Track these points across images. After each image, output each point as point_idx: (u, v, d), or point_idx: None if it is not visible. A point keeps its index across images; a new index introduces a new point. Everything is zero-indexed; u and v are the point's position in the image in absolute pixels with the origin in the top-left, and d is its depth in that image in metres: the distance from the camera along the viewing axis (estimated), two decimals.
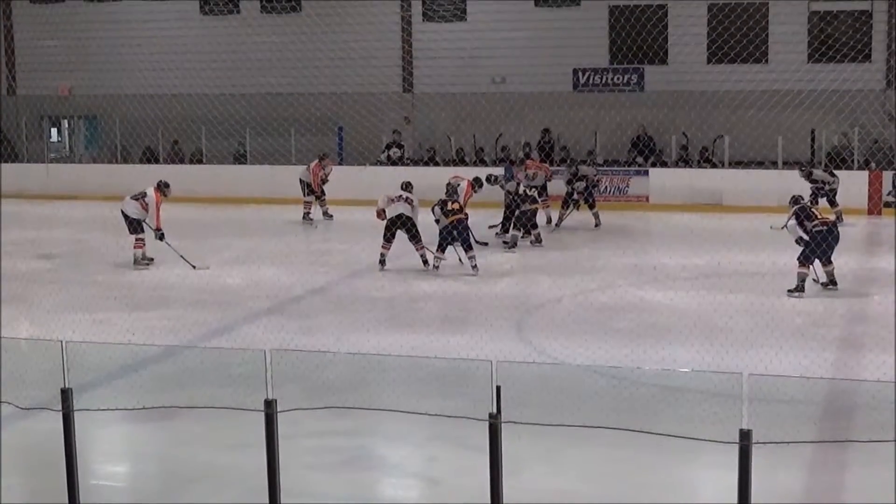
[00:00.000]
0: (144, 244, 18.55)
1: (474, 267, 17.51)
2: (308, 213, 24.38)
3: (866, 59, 27.25)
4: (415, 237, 18.33)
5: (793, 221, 16.04)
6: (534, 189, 21.53)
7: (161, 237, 18.36)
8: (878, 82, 27.51)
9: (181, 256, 17.87)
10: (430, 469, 9.43)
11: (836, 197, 22.24)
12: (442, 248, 17.82)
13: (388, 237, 18.32)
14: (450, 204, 18.15)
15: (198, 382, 11.09)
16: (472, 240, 18.01)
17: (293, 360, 10.43)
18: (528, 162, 23.70)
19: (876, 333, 13.90)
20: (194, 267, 17.82)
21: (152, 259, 18.57)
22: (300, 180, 24.57)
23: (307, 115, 28.04)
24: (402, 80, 30.85)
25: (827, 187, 22.39)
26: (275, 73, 29.49)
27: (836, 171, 22.67)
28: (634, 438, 7.29)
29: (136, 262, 18.39)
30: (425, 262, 18.18)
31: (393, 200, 18.58)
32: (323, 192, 24.60)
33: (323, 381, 10.82)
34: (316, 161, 24.76)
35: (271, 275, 17.49)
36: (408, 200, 18.58)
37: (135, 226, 18.57)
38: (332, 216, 24.58)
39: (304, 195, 24.47)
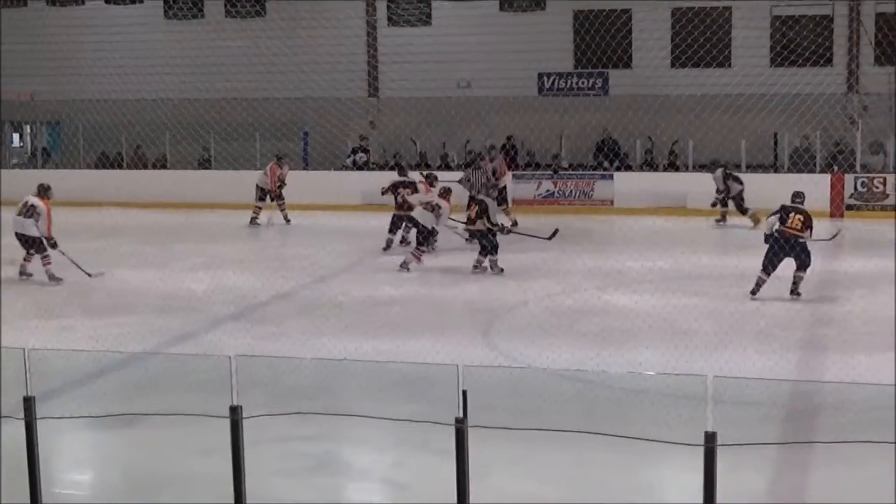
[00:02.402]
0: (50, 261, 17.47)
1: (486, 269, 18.08)
2: (255, 217, 24.43)
3: (828, 63, 27.48)
4: (420, 242, 18.81)
5: (774, 217, 16.12)
6: (493, 190, 21.72)
7: (54, 245, 17.33)
8: (839, 86, 27.74)
9: (73, 263, 17.46)
10: (397, 474, 9.41)
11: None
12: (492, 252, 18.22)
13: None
14: (471, 212, 18.46)
15: (163, 389, 11.03)
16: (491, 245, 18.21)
17: (259, 365, 10.40)
18: (500, 158, 23.77)
19: (838, 336, 14.00)
20: (89, 275, 17.39)
21: (61, 279, 17.44)
22: (256, 185, 24.57)
23: (272, 119, 28.01)
24: (367, 85, 30.88)
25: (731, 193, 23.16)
26: (239, 77, 29.41)
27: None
28: (601, 441, 7.30)
29: (50, 277, 17.43)
30: (404, 264, 18.32)
31: (425, 208, 18.89)
32: (281, 196, 24.57)
33: (289, 387, 10.77)
34: (273, 162, 24.80)
35: (236, 280, 17.41)
36: (435, 209, 18.71)
37: (38, 244, 17.45)
38: (290, 220, 24.54)
39: (257, 200, 24.47)
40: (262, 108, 28.25)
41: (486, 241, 18.00)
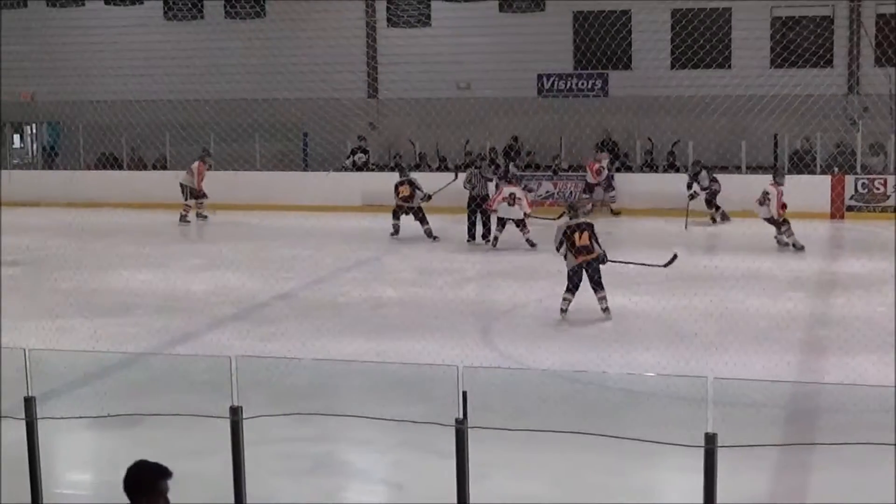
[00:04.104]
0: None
1: (605, 310, 14.63)
2: (185, 215, 24.66)
3: (828, 65, 27.48)
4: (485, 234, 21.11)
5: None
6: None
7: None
8: (839, 87, 27.73)
9: None
10: (396, 474, 9.42)
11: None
12: (571, 291, 14.78)
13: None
14: (578, 238, 14.75)
15: (163, 389, 11.04)
16: (601, 279, 14.80)
17: (259, 366, 10.41)
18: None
19: (839, 336, 13.99)
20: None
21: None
22: (180, 184, 24.82)
23: (272, 120, 28.03)
24: (366, 86, 30.86)
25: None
26: (239, 78, 29.41)
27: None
28: (600, 443, 7.31)
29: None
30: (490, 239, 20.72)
31: (504, 199, 20.50)
32: (203, 193, 24.98)
33: (288, 388, 10.79)
34: (198, 161, 25.00)
35: (236, 281, 17.43)
36: (511, 200, 20.38)
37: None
38: (206, 217, 25.16)
39: (186, 199, 24.84)
40: (261, 109, 28.27)
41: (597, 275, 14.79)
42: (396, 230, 22.19)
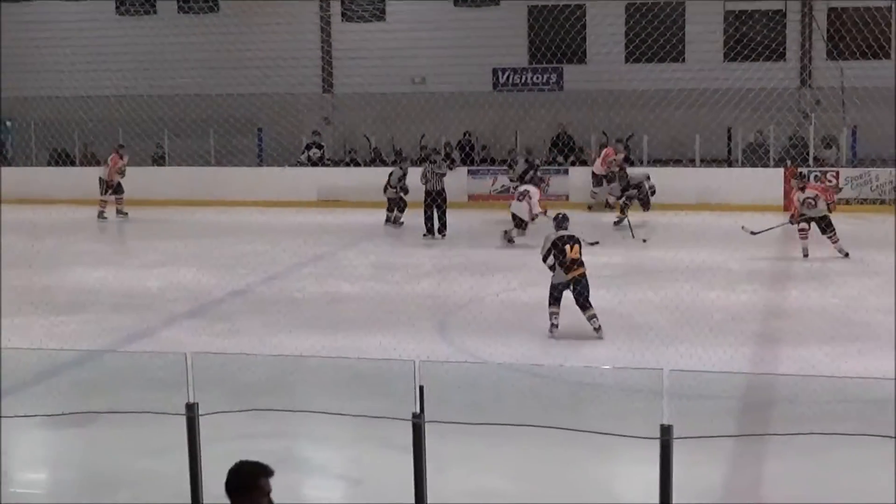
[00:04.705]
0: None
1: (598, 329, 13.40)
2: (103, 211, 24.58)
3: (781, 58, 27.66)
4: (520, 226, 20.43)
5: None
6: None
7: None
8: (792, 80, 27.93)
9: None
10: (354, 470, 9.41)
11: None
12: (556, 305, 13.57)
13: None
14: (569, 250, 13.58)
15: (118, 387, 10.97)
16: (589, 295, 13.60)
17: (215, 362, 10.38)
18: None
19: (792, 328, 14.13)
20: None
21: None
22: (99, 178, 24.75)
23: (226, 115, 27.87)
24: (321, 81, 30.75)
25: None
26: (193, 73, 29.19)
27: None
28: (558, 436, 7.33)
29: None
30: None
31: (515, 197, 20.81)
32: (120, 188, 24.97)
33: (245, 384, 10.76)
34: (113, 154, 24.93)
35: (191, 277, 17.33)
36: (521, 196, 20.58)
37: None
38: (126, 213, 25.05)
39: (102, 193, 24.83)
40: (215, 104, 28.10)
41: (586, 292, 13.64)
42: (389, 220, 23.09)
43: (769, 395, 11.24)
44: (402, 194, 23.15)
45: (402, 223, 23.07)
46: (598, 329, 13.27)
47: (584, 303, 13.39)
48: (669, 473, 6.07)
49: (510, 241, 20.40)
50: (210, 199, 25.97)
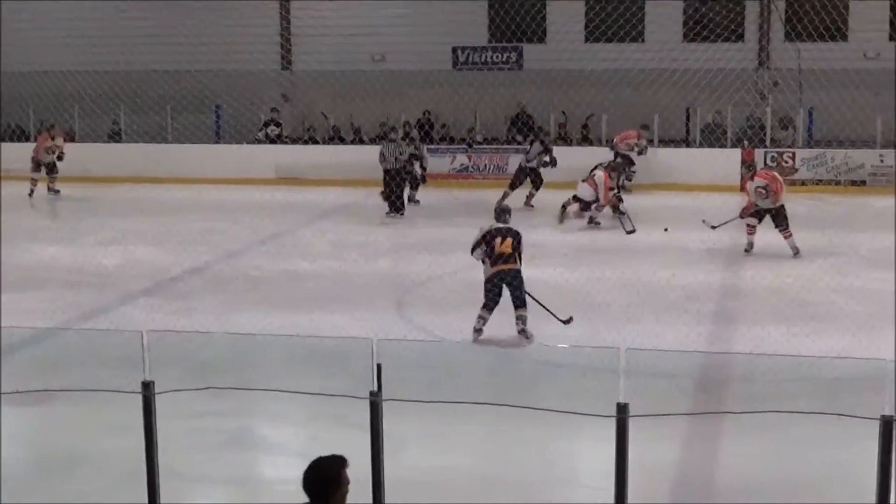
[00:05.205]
0: None
1: (522, 331, 12.41)
2: (33, 189, 24.38)
3: (739, 39, 27.82)
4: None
5: None
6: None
7: None
8: (750, 61, 28.07)
9: None
10: (312, 448, 9.30)
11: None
12: (489, 307, 12.53)
13: None
14: (499, 244, 12.63)
15: (74, 365, 10.90)
16: (524, 294, 12.60)
17: (172, 341, 10.33)
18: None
19: (748, 307, 14.24)
20: None
21: None
22: (31, 156, 24.74)
23: (184, 92, 27.62)
24: (280, 58, 30.58)
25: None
26: (151, 49, 28.95)
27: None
28: (515, 413, 7.35)
29: None
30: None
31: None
32: (55, 167, 24.77)
33: (202, 362, 10.72)
34: (43, 132, 24.77)
35: (148, 255, 17.23)
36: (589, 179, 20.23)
37: None
38: (58, 191, 24.82)
39: (32, 171, 24.70)
40: (173, 80, 27.84)
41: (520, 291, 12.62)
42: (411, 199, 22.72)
43: (725, 373, 11.33)
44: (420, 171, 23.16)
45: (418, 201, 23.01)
46: (521, 332, 12.33)
47: (515, 300, 12.43)
48: (625, 451, 6.11)
49: (561, 220, 20.23)
50: (167, 177, 25.80)
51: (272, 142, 28.15)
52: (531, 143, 23.66)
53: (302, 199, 22.57)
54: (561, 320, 12.49)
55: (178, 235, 19.04)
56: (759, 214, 17.68)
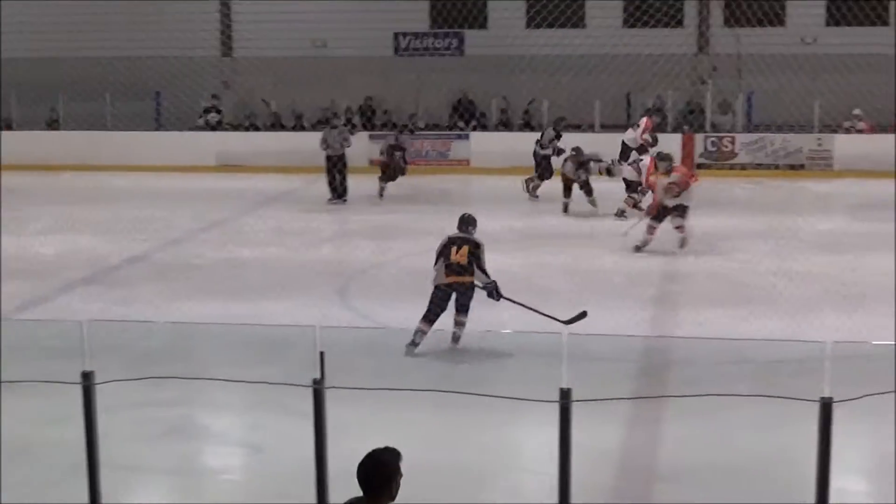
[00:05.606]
0: None
1: (457, 339, 11.71)
2: None
3: (679, 25, 27.95)
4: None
5: None
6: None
7: None
8: (690, 47, 28.24)
9: None
10: (254, 437, 9.36)
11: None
12: (429, 319, 11.55)
13: None
14: (454, 252, 11.71)
15: (12, 356, 10.76)
16: (470, 302, 11.71)
17: (111, 330, 10.22)
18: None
19: (689, 291, 14.35)
20: None
21: None
22: None
23: (122, 79, 27.33)
24: (220, 44, 30.35)
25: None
26: (88, 36, 28.59)
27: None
28: (460, 400, 7.36)
29: None
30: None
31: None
32: None
33: (143, 351, 10.63)
34: None
35: (87, 243, 17.06)
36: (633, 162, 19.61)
37: None
38: None
39: None
40: (112, 67, 27.53)
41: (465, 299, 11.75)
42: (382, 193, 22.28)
43: (666, 357, 11.40)
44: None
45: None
46: (456, 339, 11.65)
47: (459, 307, 11.62)
48: (568, 436, 6.12)
49: (621, 214, 19.20)
50: (106, 164, 25.55)
51: (213, 129, 27.97)
52: (543, 130, 23.17)
53: (243, 187, 22.44)
54: (562, 321, 11.40)
55: (118, 223, 18.86)
56: (663, 214, 16.69)
